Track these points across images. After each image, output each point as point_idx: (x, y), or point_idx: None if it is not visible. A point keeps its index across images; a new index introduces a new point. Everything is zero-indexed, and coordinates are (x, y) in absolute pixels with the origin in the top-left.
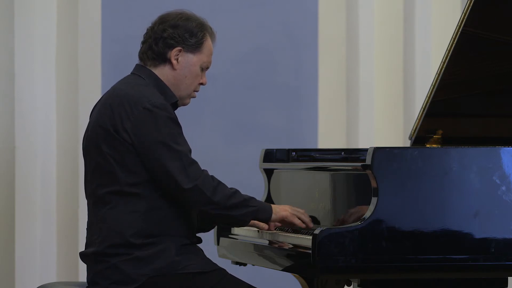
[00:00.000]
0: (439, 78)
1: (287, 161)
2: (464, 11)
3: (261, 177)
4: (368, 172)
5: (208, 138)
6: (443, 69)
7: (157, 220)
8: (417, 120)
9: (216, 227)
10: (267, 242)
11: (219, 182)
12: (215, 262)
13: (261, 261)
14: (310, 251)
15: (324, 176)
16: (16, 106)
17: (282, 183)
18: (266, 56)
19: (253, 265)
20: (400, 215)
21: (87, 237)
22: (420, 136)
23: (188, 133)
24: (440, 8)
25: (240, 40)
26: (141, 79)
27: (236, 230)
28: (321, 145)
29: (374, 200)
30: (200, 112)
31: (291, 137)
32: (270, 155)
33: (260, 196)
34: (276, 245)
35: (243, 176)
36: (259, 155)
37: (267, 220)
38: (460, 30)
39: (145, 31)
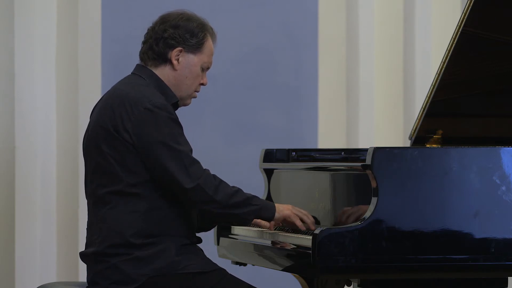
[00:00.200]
0: (439, 78)
1: (287, 161)
2: (464, 11)
3: (261, 177)
4: (368, 172)
5: (208, 138)
6: (443, 69)
7: (157, 220)
8: (417, 120)
9: (216, 226)
10: (267, 242)
11: (221, 181)
12: (215, 262)
13: (261, 261)
14: (310, 251)
15: (324, 176)
16: (16, 106)
17: (282, 183)
18: (266, 56)
19: (253, 265)
20: (400, 215)
21: (87, 237)
22: (420, 136)
23: (188, 133)
24: (440, 8)
25: (240, 40)
26: (141, 79)
27: (236, 230)
28: (321, 145)
29: (374, 200)
30: (200, 112)
31: (291, 137)
32: (270, 155)
33: (260, 196)
34: (276, 245)
35: (243, 176)
36: (259, 155)
37: (270, 219)
38: (460, 30)
39: (145, 31)
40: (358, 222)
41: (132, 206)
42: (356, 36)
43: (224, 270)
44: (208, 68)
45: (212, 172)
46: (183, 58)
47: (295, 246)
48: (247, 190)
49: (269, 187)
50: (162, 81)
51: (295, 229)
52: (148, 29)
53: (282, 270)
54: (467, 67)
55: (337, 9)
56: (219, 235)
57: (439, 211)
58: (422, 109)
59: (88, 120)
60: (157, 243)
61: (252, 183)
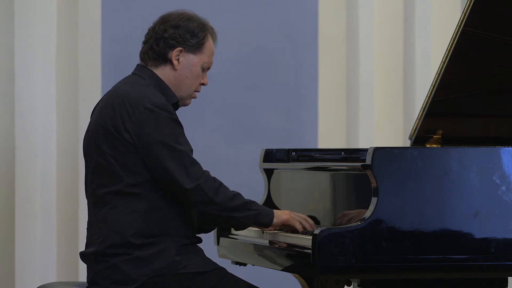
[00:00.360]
0: (439, 78)
1: (287, 161)
2: (464, 11)
3: (261, 177)
4: (368, 172)
5: (208, 138)
6: (443, 69)
7: (157, 220)
8: (417, 120)
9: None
10: (267, 242)
11: (221, 184)
12: (215, 262)
13: (261, 261)
14: (310, 251)
15: (324, 176)
16: (16, 106)
17: (282, 183)
18: (266, 56)
19: (253, 265)
20: (400, 215)
21: (87, 237)
22: (420, 136)
23: (188, 133)
24: (440, 8)
25: (240, 40)
26: (142, 79)
27: (236, 230)
28: (321, 145)
29: (374, 200)
30: (200, 112)
31: (291, 137)
32: (270, 155)
33: (260, 196)
34: (276, 245)
35: (243, 176)
36: (259, 155)
37: (268, 225)
38: (460, 30)
39: (145, 31)
40: (358, 222)
41: (132, 206)
42: (356, 36)
43: (224, 269)
44: (208, 68)
45: (212, 172)
46: (183, 58)
47: (295, 246)
48: (247, 190)
49: (269, 187)
50: (162, 81)
51: (294, 230)
52: (149, 29)
53: (282, 270)
54: (467, 67)
55: (337, 9)
56: (219, 235)
57: (439, 211)
58: (422, 109)
59: (88, 120)
60: (157, 243)
61: (252, 183)
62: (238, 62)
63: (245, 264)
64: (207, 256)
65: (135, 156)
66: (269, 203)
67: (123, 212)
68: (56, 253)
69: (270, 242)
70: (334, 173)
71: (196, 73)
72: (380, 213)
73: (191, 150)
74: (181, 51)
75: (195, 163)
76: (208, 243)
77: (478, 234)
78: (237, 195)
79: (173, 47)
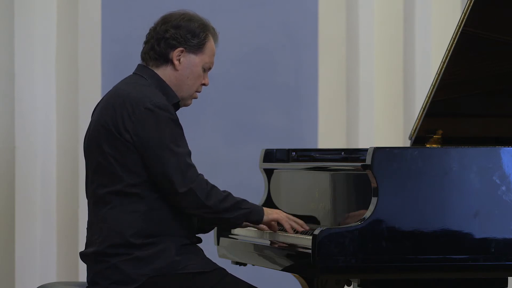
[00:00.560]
0: (439, 78)
1: (287, 161)
2: (464, 11)
3: (261, 177)
4: (368, 172)
5: (208, 138)
6: (443, 69)
7: (157, 220)
8: (417, 120)
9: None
10: (267, 242)
11: (213, 187)
12: (215, 262)
13: (261, 261)
14: (310, 251)
15: (324, 176)
16: (16, 106)
17: (282, 183)
18: (266, 56)
19: (253, 265)
20: (400, 215)
21: (87, 237)
22: (420, 136)
23: (188, 133)
24: (440, 8)
25: (240, 40)
26: (143, 79)
27: (236, 230)
28: (321, 145)
29: (374, 200)
30: (200, 112)
31: (291, 137)
32: (270, 155)
33: (260, 196)
34: (276, 245)
35: (243, 176)
36: (259, 155)
37: (258, 222)
38: (460, 30)
39: (146, 31)
40: (358, 222)
41: (132, 206)
42: (356, 36)
43: (224, 269)
44: (209, 69)
45: (212, 172)
46: (184, 59)
47: (295, 246)
48: (247, 190)
49: (269, 187)
50: (163, 81)
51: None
52: (150, 29)
53: (282, 270)
54: (467, 67)
55: (337, 9)
56: (219, 235)
57: (439, 211)
58: (422, 109)
59: (89, 120)
60: (157, 243)
61: (252, 183)
62: (238, 62)
63: (245, 264)
64: (207, 256)
65: (136, 156)
66: (269, 203)
67: (123, 212)
68: (56, 253)
69: (270, 242)
70: (334, 173)
71: (197, 73)
72: (380, 213)
73: (189, 153)
74: (182, 52)
75: (191, 166)
76: (208, 243)
77: (478, 234)
78: (228, 195)
79: (174, 47)
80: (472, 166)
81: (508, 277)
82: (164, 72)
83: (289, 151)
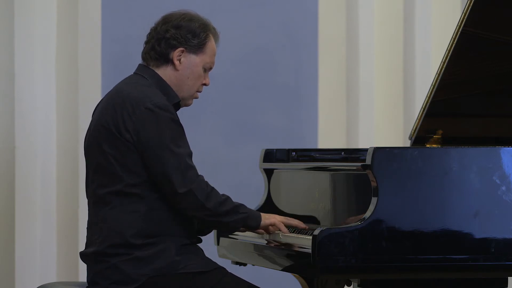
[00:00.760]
0: (439, 78)
1: (287, 161)
2: (464, 11)
3: (261, 177)
4: (368, 172)
5: (208, 138)
6: (443, 69)
7: (157, 220)
8: (417, 120)
9: None
10: (267, 242)
11: (213, 189)
12: (215, 262)
13: (261, 261)
14: (310, 251)
15: (324, 176)
16: (16, 106)
17: (282, 183)
18: (266, 56)
19: (253, 265)
20: (400, 215)
21: (87, 237)
22: (420, 136)
23: (188, 133)
24: (440, 8)
25: (240, 40)
26: (144, 79)
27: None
28: (321, 145)
29: (374, 200)
30: (200, 112)
31: (291, 137)
32: (270, 155)
33: (260, 196)
34: (276, 245)
35: (243, 176)
36: (259, 155)
37: (256, 227)
38: (460, 30)
39: (145, 31)
40: (358, 222)
41: (132, 206)
42: (356, 36)
43: (224, 269)
44: (210, 69)
45: (212, 172)
46: (185, 59)
47: (295, 246)
48: (247, 190)
49: (269, 187)
50: (164, 81)
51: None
52: (151, 29)
53: (282, 270)
54: (467, 67)
55: (337, 9)
56: (219, 235)
57: (439, 211)
58: (422, 109)
59: (89, 120)
60: (157, 243)
61: (252, 183)
62: (238, 62)
63: (245, 264)
64: (207, 256)
65: (136, 156)
66: (269, 203)
67: (123, 212)
68: (56, 253)
69: (270, 242)
70: (334, 173)
71: (197, 73)
72: (380, 213)
73: (190, 153)
74: (182, 52)
75: (191, 167)
76: (208, 243)
77: (478, 234)
78: (226, 199)
79: (174, 48)
80: (472, 166)
81: (508, 277)
82: (164, 72)
83: (289, 151)
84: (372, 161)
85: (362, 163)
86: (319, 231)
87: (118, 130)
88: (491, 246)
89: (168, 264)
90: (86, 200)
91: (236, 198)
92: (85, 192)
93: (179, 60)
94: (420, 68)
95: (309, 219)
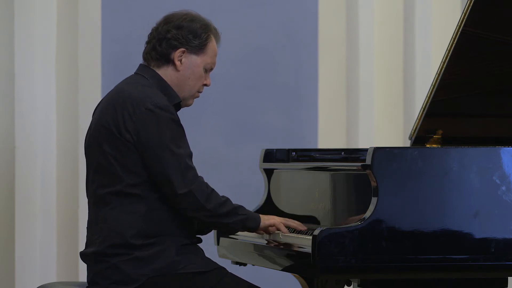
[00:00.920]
0: (439, 78)
1: (287, 161)
2: (464, 11)
3: (261, 177)
4: (368, 172)
5: (208, 138)
6: (443, 69)
7: (157, 220)
8: (417, 120)
9: None
10: (267, 242)
11: (212, 190)
12: (215, 262)
13: (261, 261)
14: (310, 251)
15: (324, 176)
16: (16, 106)
17: (282, 183)
18: (266, 56)
19: (253, 265)
20: (400, 215)
21: (87, 237)
22: (420, 136)
23: (188, 133)
24: (440, 8)
25: (240, 40)
26: (144, 79)
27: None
28: (321, 145)
29: (374, 200)
30: (200, 112)
31: (291, 137)
32: (270, 155)
33: (260, 196)
34: (276, 245)
35: (243, 176)
36: (259, 155)
37: (255, 229)
38: (460, 30)
39: (146, 31)
40: (358, 222)
41: (133, 206)
42: (356, 36)
43: (224, 269)
44: (211, 69)
45: (212, 172)
46: (186, 59)
47: (295, 246)
48: (247, 190)
49: (269, 187)
50: (165, 81)
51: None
52: (152, 29)
53: (282, 270)
54: (467, 67)
55: (337, 9)
56: (219, 235)
57: (439, 211)
58: (422, 109)
59: (89, 120)
60: (157, 243)
61: (252, 183)
62: (238, 62)
63: (245, 264)
64: (207, 256)
65: (136, 156)
66: (269, 203)
67: (123, 212)
68: (56, 253)
69: (270, 242)
70: (334, 173)
71: (198, 74)
72: (380, 213)
73: (190, 154)
74: (183, 52)
75: (191, 168)
76: (208, 243)
77: (478, 234)
78: (226, 200)
79: (175, 48)
80: (472, 166)
81: (508, 277)
82: (165, 73)
83: (289, 151)
84: (372, 161)
85: (362, 163)
86: (319, 231)
87: (119, 130)
88: (491, 246)
89: (168, 264)
90: (86, 200)
91: (236, 198)
92: (85, 192)
93: (180, 60)
94: (420, 68)
95: (309, 219)
